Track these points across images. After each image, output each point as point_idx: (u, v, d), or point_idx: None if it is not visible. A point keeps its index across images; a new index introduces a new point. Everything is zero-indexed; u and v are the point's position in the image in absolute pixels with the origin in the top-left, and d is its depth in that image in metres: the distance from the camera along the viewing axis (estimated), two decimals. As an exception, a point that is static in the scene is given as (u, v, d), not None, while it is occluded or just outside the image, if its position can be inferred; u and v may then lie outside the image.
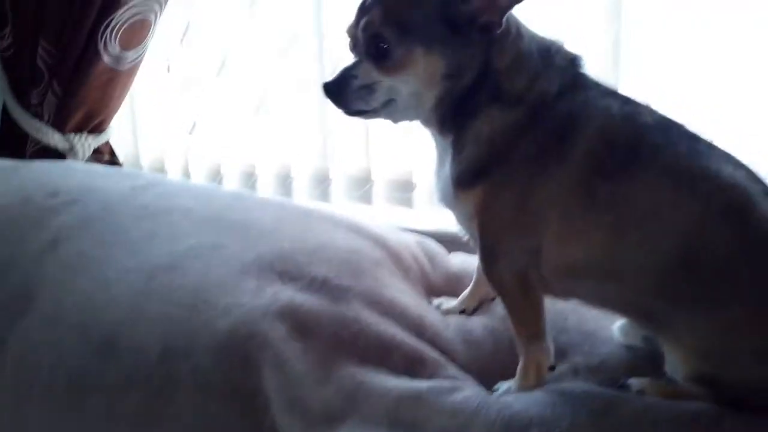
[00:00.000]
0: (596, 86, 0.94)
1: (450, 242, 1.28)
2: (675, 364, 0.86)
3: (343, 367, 0.93)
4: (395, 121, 1.00)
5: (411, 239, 1.27)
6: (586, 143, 0.88)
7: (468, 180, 0.94)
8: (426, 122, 0.99)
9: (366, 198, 1.94)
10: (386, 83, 0.92)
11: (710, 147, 0.89)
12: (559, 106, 0.90)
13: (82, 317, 1.04)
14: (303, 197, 2.04)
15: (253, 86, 2.08)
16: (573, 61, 0.95)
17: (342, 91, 0.94)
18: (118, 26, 1.80)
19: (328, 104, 0.98)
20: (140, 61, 1.96)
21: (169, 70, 2.32)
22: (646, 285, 0.86)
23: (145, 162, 2.35)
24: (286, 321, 0.96)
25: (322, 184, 2.00)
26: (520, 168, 0.91)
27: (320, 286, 1.03)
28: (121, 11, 1.77)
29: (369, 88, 0.92)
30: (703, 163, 0.86)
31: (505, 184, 0.91)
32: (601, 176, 0.87)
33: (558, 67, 0.93)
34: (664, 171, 0.86)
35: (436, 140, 1.01)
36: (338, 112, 0.98)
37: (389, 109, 0.95)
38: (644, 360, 0.95)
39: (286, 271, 1.05)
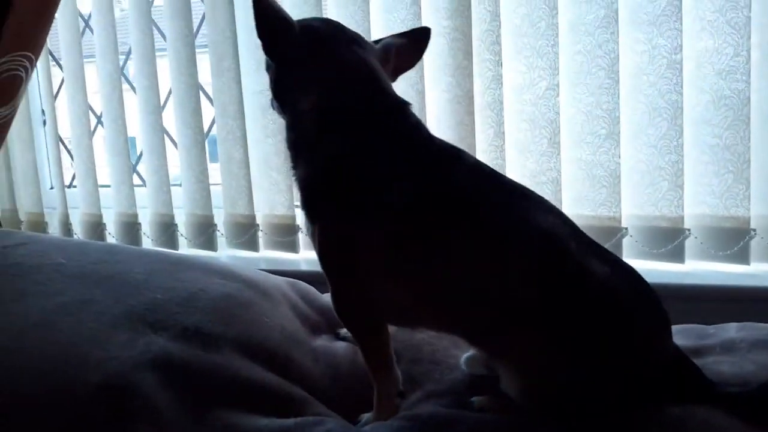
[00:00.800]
0: (414, 145, 1.01)
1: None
2: (508, 382, 0.95)
3: (215, 411, 0.97)
4: None
5: (281, 280, 1.33)
6: (395, 207, 0.95)
7: (307, 216, 1.03)
8: None
9: (252, 244, 1.99)
10: None
11: (523, 196, 0.98)
12: (371, 167, 0.98)
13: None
14: (187, 246, 2.07)
15: (133, 136, 2.11)
16: (400, 119, 1.02)
17: None
18: (-13, 84, 1.78)
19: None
20: (12, 117, 1.94)
21: (45, 124, 2.31)
22: (476, 324, 0.96)
23: (24, 216, 2.32)
24: (157, 371, 0.99)
25: (207, 231, 2.03)
26: (339, 219, 0.99)
27: (192, 334, 1.06)
28: (-11, 69, 1.77)
29: None
30: (516, 216, 0.94)
31: (329, 229, 0.99)
32: (416, 237, 0.95)
33: (381, 125, 1.00)
34: (477, 227, 0.94)
35: None
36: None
37: None
38: (486, 383, 1.03)
39: (158, 321, 1.07)
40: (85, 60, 2.14)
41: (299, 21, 1.05)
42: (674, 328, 0.98)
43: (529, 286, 0.92)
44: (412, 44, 1.11)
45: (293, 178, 1.07)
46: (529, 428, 0.89)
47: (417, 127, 1.03)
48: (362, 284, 0.99)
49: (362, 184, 0.97)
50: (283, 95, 1.07)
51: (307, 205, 1.04)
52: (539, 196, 1.01)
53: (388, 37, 1.13)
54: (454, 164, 0.99)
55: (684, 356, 0.96)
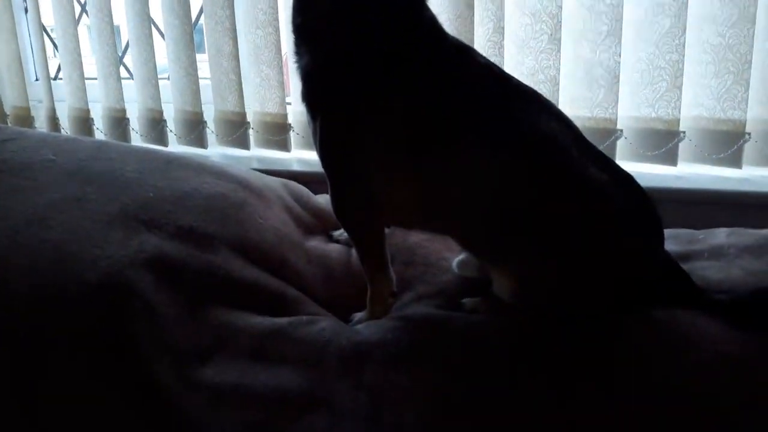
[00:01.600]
0: (427, 40, 0.97)
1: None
2: (501, 285, 0.97)
3: (211, 310, 0.99)
4: None
5: (275, 181, 1.33)
6: (400, 103, 0.93)
7: (308, 109, 1.01)
8: None
9: (243, 142, 1.97)
10: None
11: (529, 100, 0.97)
12: (380, 61, 0.94)
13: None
14: (177, 142, 2.05)
15: (117, 24, 2.04)
16: (415, 13, 0.97)
17: None
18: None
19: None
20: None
21: (27, 12, 2.23)
22: (472, 228, 0.96)
23: (9, 110, 2.27)
24: (153, 269, 1.00)
25: (197, 128, 2.00)
26: (342, 114, 0.96)
27: (186, 234, 1.07)
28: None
29: None
30: (520, 120, 0.93)
31: (331, 124, 0.97)
32: (418, 136, 0.93)
33: (396, 17, 0.96)
34: (479, 130, 0.92)
35: None
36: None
37: None
38: (477, 285, 1.06)
39: (151, 220, 1.07)
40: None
41: None
42: (665, 232, 0.99)
43: (527, 191, 0.92)
44: None
45: (296, 66, 1.03)
46: (519, 329, 0.92)
47: (431, 23, 0.99)
48: (362, 182, 0.98)
49: (369, 79, 0.94)
50: None
51: (309, 98, 1.01)
52: (546, 99, 0.99)
53: None
54: (464, 64, 0.97)
55: (674, 262, 0.98)
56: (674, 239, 1.16)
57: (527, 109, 0.95)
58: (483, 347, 0.90)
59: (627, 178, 0.97)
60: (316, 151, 1.02)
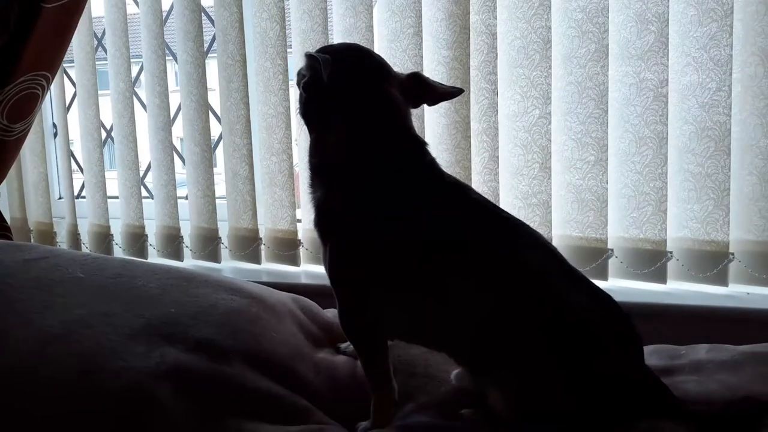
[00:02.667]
0: (428, 180, 1.10)
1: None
2: (495, 399, 1.03)
3: (225, 419, 1.05)
4: None
5: (285, 296, 1.41)
6: (402, 236, 1.05)
7: (320, 235, 1.13)
8: None
9: (254, 257, 2.07)
10: None
11: (516, 233, 1.07)
12: (386, 199, 1.07)
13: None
14: (192, 257, 2.15)
15: (140, 150, 2.19)
16: (417, 158, 1.12)
17: None
18: (5, 101, 1.86)
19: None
20: (27, 131, 2.02)
21: (56, 136, 2.39)
22: (465, 347, 1.05)
23: (33, 225, 2.39)
24: (172, 381, 1.06)
25: (211, 244, 2.11)
26: (350, 242, 1.08)
27: (204, 347, 1.14)
28: (8, 87, 1.84)
29: None
30: (508, 253, 1.04)
31: (341, 250, 1.09)
32: (414, 265, 1.04)
33: (400, 162, 1.10)
34: (471, 263, 1.03)
35: None
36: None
37: None
38: (474, 397, 1.11)
39: (172, 334, 1.15)
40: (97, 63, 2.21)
41: (329, 50, 1.13)
42: (649, 347, 1.07)
43: (511, 317, 1.01)
44: (443, 93, 1.20)
45: (309, 197, 1.16)
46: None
47: (431, 166, 1.13)
48: (366, 302, 1.09)
49: (376, 214, 1.07)
50: (310, 119, 1.15)
51: (321, 226, 1.13)
52: (532, 230, 1.10)
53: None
54: (460, 201, 1.09)
55: (654, 376, 1.05)
56: (658, 355, 1.23)
57: (514, 242, 1.06)
58: (480, 456, 0.96)
59: (605, 300, 1.05)
60: (326, 271, 1.13)
